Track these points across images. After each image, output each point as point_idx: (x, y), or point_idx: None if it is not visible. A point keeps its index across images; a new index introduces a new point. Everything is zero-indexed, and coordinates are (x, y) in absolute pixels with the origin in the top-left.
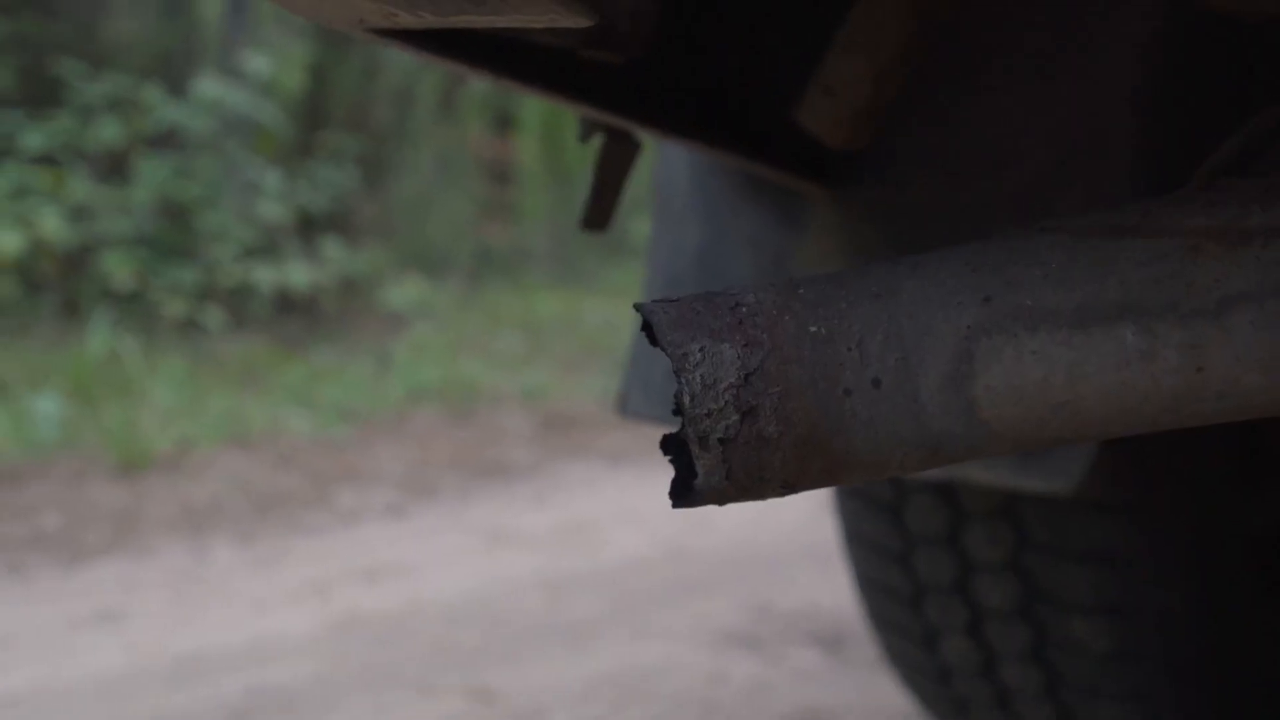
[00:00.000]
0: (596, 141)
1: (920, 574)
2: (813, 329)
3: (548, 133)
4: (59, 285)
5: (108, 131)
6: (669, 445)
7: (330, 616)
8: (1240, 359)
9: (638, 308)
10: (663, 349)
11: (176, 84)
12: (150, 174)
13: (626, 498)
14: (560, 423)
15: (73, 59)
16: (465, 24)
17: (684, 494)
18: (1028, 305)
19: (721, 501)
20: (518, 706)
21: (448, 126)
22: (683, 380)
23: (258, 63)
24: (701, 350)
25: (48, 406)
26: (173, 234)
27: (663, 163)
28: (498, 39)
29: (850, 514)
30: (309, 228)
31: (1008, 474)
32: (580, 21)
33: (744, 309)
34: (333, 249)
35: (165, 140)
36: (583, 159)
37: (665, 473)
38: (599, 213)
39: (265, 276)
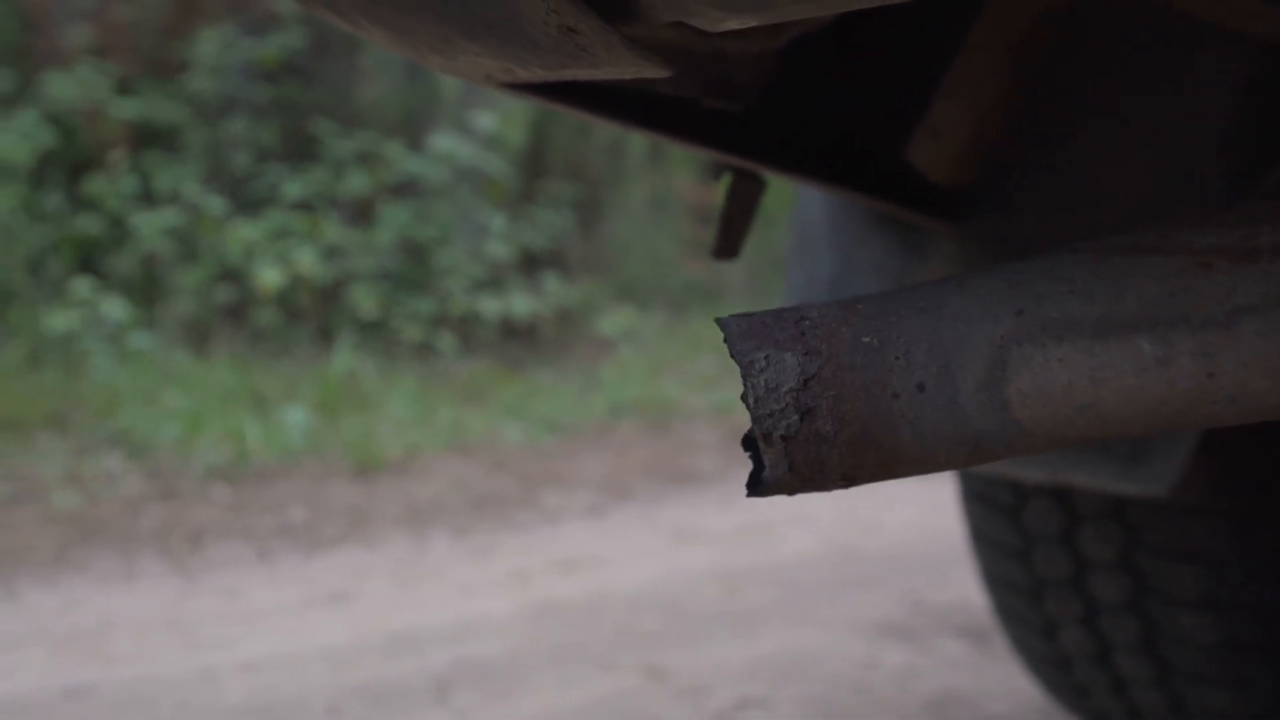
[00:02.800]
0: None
1: (1039, 570)
2: (866, 340)
3: None
4: (314, 314)
5: (356, 182)
6: (748, 443)
7: (528, 601)
8: (1247, 365)
9: (717, 321)
10: (734, 357)
11: (415, 140)
12: (392, 218)
13: (802, 503)
14: None
15: (327, 119)
16: (570, 77)
17: (756, 485)
18: (1054, 317)
19: (789, 491)
20: (686, 683)
21: (656, 173)
22: (748, 384)
23: (485, 120)
24: (766, 358)
25: (297, 417)
26: (411, 270)
27: (800, 198)
28: (626, 90)
29: (975, 515)
30: (530, 264)
31: (1110, 479)
32: (660, 73)
33: (807, 322)
34: (551, 283)
35: (405, 189)
36: (780, 202)
37: None
38: (728, 244)
39: (491, 306)
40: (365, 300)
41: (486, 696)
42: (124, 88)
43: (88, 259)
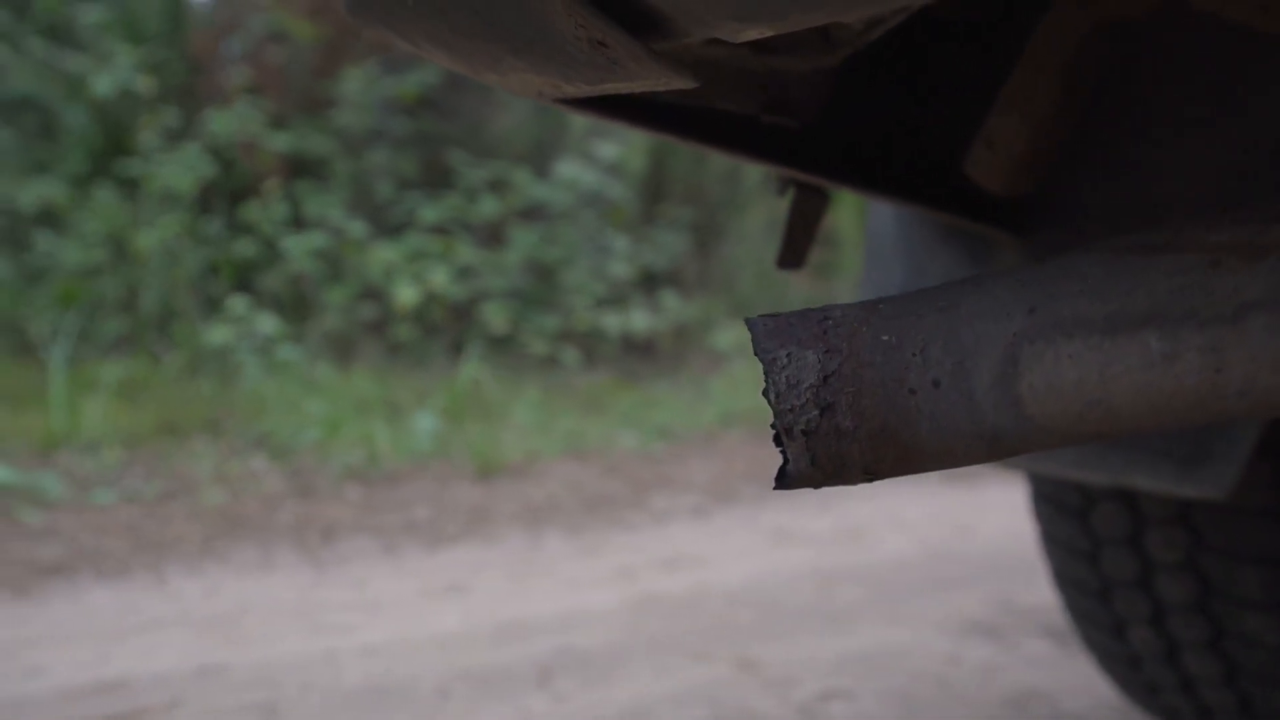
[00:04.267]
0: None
1: (1107, 571)
2: (885, 338)
3: (861, 202)
4: (448, 329)
5: (487, 207)
6: (777, 440)
7: (631, 595)
8: (1256, 360)
9: (746, 321)
10: (757, 355)
11: (543, 168)
12: (521, 240)
13: (899, 508)
14: None
15: (461, 150)
16: (611, 90)
17: (783, 478)
18: (1066, 315)
19: (814, 484)
20: (775, 674)
21: (770, 197)
22: (770, 380)
23: (608, 149)
24: (788, 355)
25: (426, 423)
26: (538, 288)
27: (871, 211)
28: (685, 106)
29: (1045, 517)
30: (650, 283)
31: (1169, 482)
32: (688, 84)
33: (830, 321)
34: (669, 300)
35: (534, 213)
36: None
37: (932, 490)
38: (793, 254)
39: (613, 323)
40: (496, 316)
41: (585, 682)
42: (277, 123)
43: (243, 279)
